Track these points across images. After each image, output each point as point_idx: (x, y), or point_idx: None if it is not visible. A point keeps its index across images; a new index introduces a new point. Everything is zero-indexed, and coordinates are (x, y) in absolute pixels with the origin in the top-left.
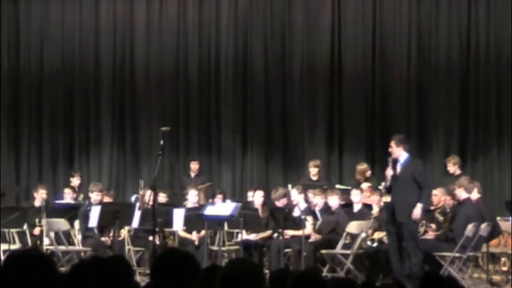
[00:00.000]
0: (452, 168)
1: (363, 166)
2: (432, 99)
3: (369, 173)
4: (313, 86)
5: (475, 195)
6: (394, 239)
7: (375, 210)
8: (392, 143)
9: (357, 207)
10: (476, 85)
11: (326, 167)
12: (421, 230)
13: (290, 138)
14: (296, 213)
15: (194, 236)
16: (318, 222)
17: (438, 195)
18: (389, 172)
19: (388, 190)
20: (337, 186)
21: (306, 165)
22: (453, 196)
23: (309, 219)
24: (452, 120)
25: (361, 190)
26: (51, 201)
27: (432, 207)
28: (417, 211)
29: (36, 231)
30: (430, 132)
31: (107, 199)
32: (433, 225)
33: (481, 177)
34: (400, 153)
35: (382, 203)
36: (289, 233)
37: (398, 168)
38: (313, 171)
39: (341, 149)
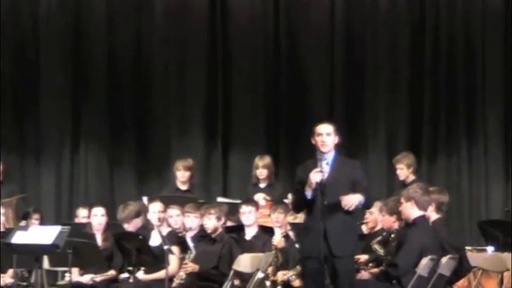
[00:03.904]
0: (404, 172)
1: (265, 160)
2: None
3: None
4: (187, 54)
5: (432, 212)
6: (316, 281)
7: (278, 237)
8: (331, 130)
9: (250, 232)
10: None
11: (203, 170)
12: None
13: (148, 128)
14: (155, 241)
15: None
16: (191, 255)
17: (374, 214)
18: (315, 177)
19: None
20: (220, 199)
21: (171, 168)
22: (399, 214)
23: (175, 251)
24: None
25: (257, 205)
26: None
27: (366, 232)
28: (353, 199)
29: None
30: (364, 116)
31: None
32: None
33: (442, 185)
34: (332, 148)
35: (289, 226)
36: (145, 275)
37: (326, 172)
38: (182, 177)
39: (226, 143)
